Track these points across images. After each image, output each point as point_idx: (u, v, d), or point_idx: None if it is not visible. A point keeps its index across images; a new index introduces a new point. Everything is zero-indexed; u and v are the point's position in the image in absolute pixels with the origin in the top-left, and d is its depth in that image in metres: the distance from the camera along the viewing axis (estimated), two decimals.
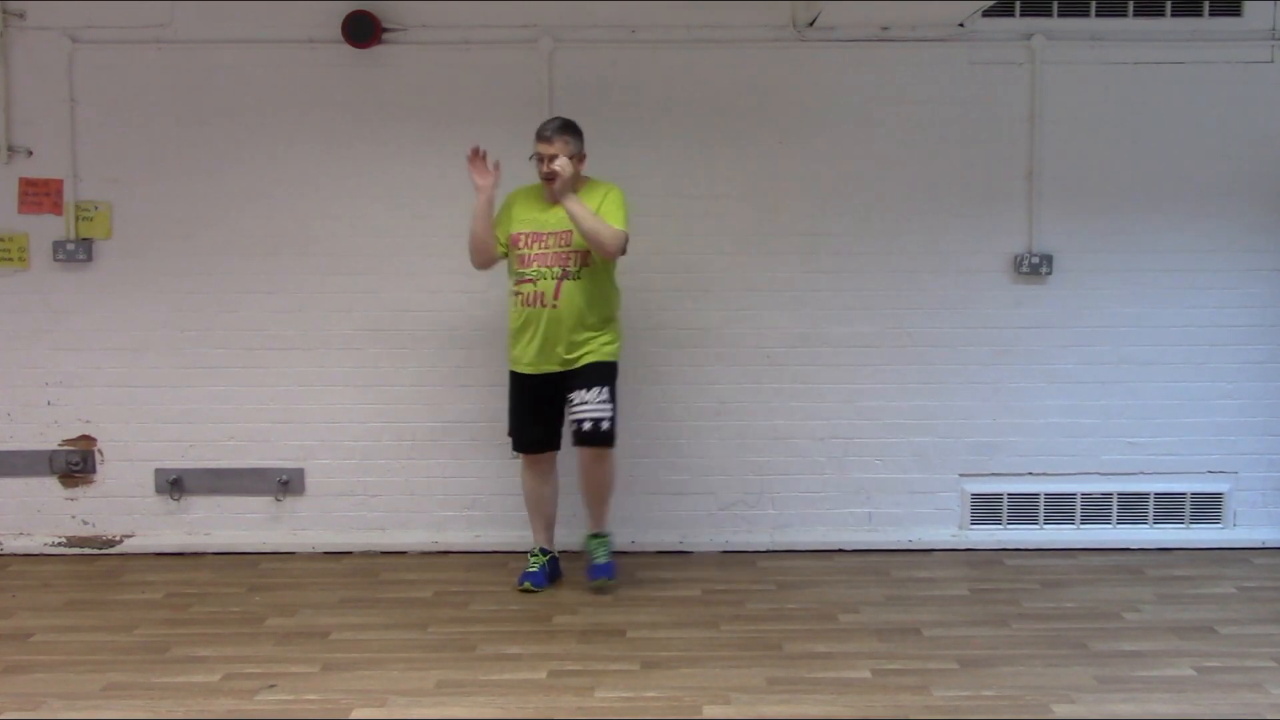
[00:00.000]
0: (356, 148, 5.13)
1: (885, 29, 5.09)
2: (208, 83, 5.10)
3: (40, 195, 5.10)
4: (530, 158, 4.49)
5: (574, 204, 4.39)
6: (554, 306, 4.43)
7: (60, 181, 5.10)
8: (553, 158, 4.41)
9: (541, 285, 4.44)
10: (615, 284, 4.61)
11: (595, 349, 4.52)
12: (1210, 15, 5.11)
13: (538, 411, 4.61)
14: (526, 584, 4.58)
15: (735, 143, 5.12)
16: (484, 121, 5.08)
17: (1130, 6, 5.11)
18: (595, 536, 4.69)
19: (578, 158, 4.48)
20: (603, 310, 4.55)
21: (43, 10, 5.04)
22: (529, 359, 4.53)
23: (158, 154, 5.11)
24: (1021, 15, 5.10)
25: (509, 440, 4.77)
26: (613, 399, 4.53)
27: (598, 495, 4.65)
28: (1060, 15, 5.11)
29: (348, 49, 5.05)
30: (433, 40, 5.09)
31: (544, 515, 4.74)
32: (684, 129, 5.10)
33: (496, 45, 5.09)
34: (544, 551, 4.71)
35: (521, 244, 4.49)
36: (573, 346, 4.48)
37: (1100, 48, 5.12)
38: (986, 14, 5.01)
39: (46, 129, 5.08)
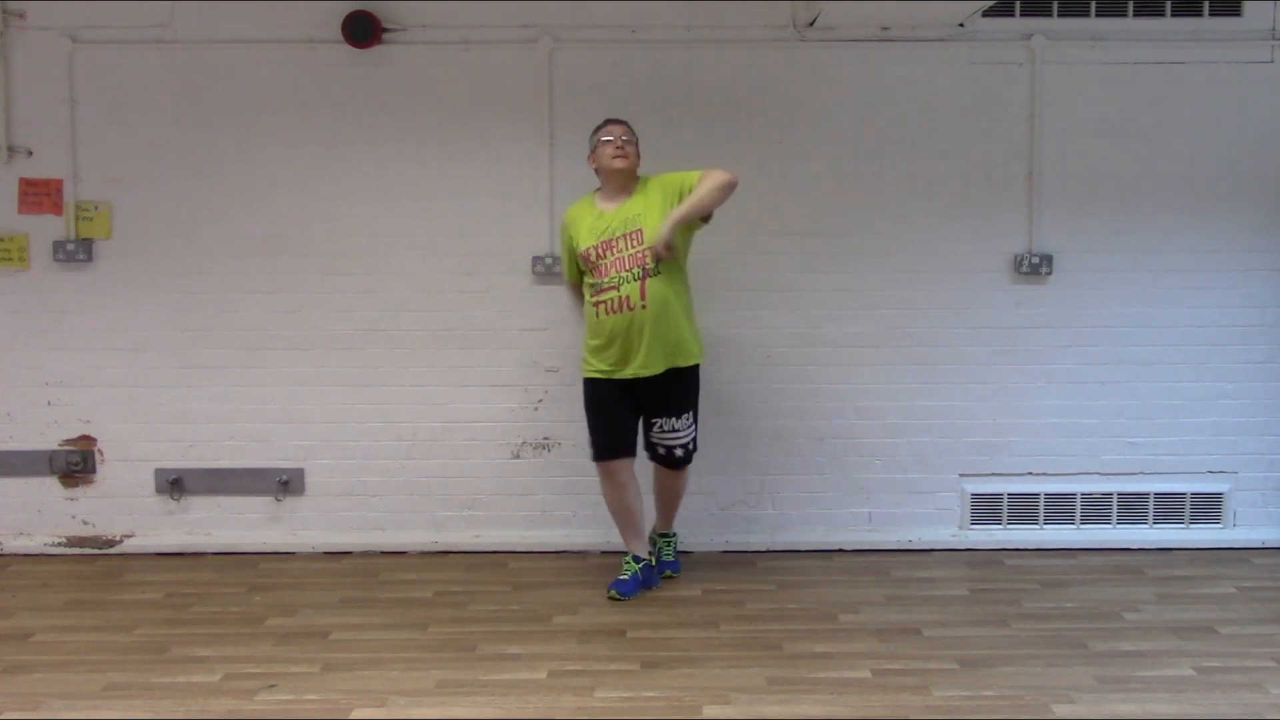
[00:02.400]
0: (356, 148, 5.13)
1: (885, 29, 5.09)
2: (208, 83, 5.10)
3: (40, 195, 5.11)
4: (594, 148, 4.51)
5: (676, 218, 4.30)
6: (643, 308, 4.34)
7: (60, 181, 5.10)
8: (624, 134, 4.46)
9: (625, 290, 4.35)
10: (687, 272, 4.56)
11: (686, 348, 4.46)
12: (1210, 15, 5.11)
13: (621, 412, 4.52)
14: (613, 592, 4.50)
15: (735, 143, 5.12)
16: (484, 121, 5.09)
17: (1130, 6, 5.12)
18: (665, 536, 4.85)
19: (637, 151, 4.56)
20: (687, 303, 4.51)
21: (43, 10, 5.04)
22: (631, 366, 4.41)
23: (158, 154, 5.12)
24: (1021, 15, 5.10)
25: (588, 450, 4.68)
26: (696, 417, 4.61)
27: (672, 502, 4.78)
28: (1060, 15, 5.11)
29: (348, 49, 5.05)
30: (433, 40, 5.09)
31: (634, 523, 4.63)
32: (684, 129, 5.10)
33: (496, 45, 5.09)
34: (638, 559, 4.61)
35: (593, 257, 4.42)
36: (667, 344, 4.40)
37: (1100, 48, 5.12)
38: (986, 14, 5.02)
39: (46, 129, 5.09)
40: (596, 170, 4.57)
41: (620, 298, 4.35)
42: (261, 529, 5.23)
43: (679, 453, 4.57)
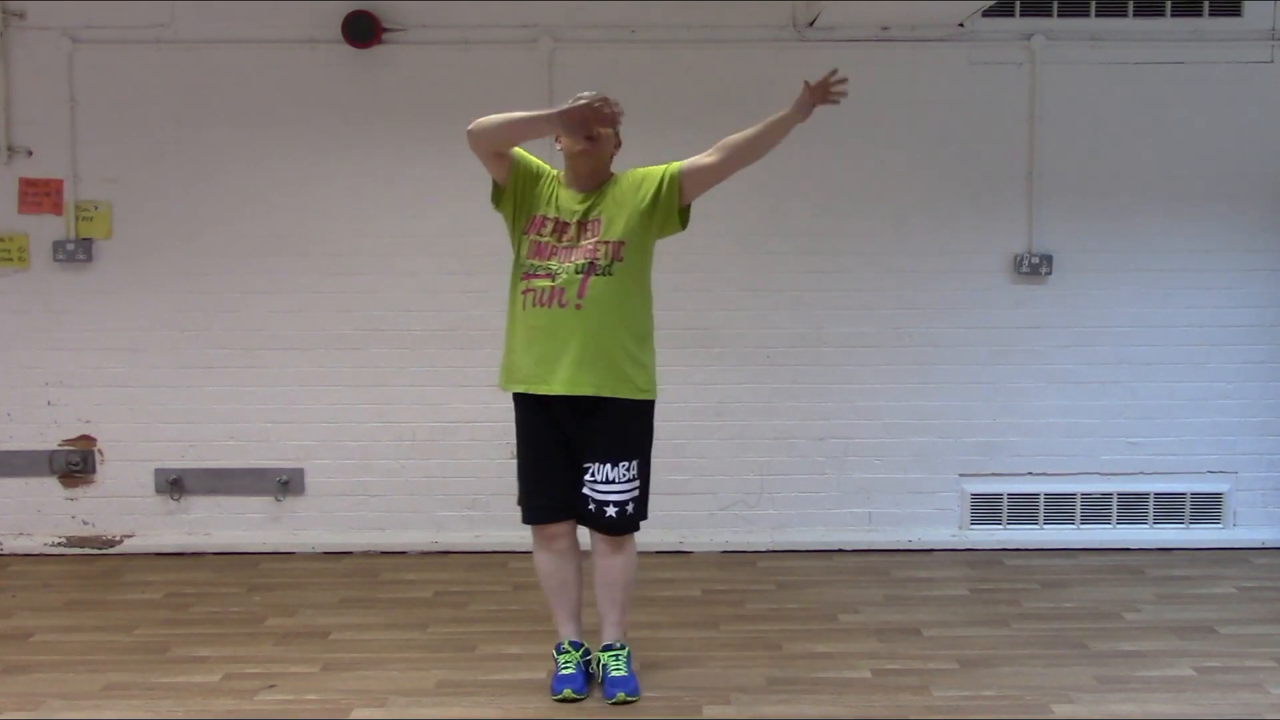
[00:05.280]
0: (356, 148, 5.13)
1: (885, 29, 5.09)
2: (208, 83, 5.10)
3: (40, 195, 5.11)
4: (560, 137, 3.59)
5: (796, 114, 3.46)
6: (577, 307, 3.45)
7: (60, 181, 5.10)
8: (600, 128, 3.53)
9: (562, 281, 3.47)
10: (650, 291, 3.64)
11: (628, 374, 3.52)
12: (1210, 15, 5.12)
13: (556, 457, 3.58)
14: (566, 691, 3.54)
15: None
16: None
17: (1130, 6, 5.12)
18: (611, 649, 3.64)
19: (615, 141, 3.66)
20: (639, 322, 3.58)
21: (43, 10, 5.04)
22: (540, 374, 3.50)
23: (158, 154, 5.12)
24: (1021, 15, 5.10)
25: (518, 509, 3.72)
26: (644, 471, 3.60)
27: (616, 592, 3.63)
28: (1060, 15, 5.11)
29: (348, 49, 5.05)
30: (433, 40, 5.09)
31: (570, 601, 3.69)
32: (684, 129, 5.07)
33: (496, 45, 5.10)
34: (575, 645, 3.68)
35: (545, 230, 3.55)
36: (601, 361, 3.48)
37: (1100, 48, 5.12)
38: (986, 14, 5.02)
39: (46, 129, 5.09)
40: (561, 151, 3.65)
41: (553, 289, 3.48)
42: (261, 529, 5.22)
43: (610, 511, 3.51)
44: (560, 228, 3.56)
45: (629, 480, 3.55)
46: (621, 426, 3.55)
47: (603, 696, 3.55)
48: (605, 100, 3.44)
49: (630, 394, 3.53)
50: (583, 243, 3.53)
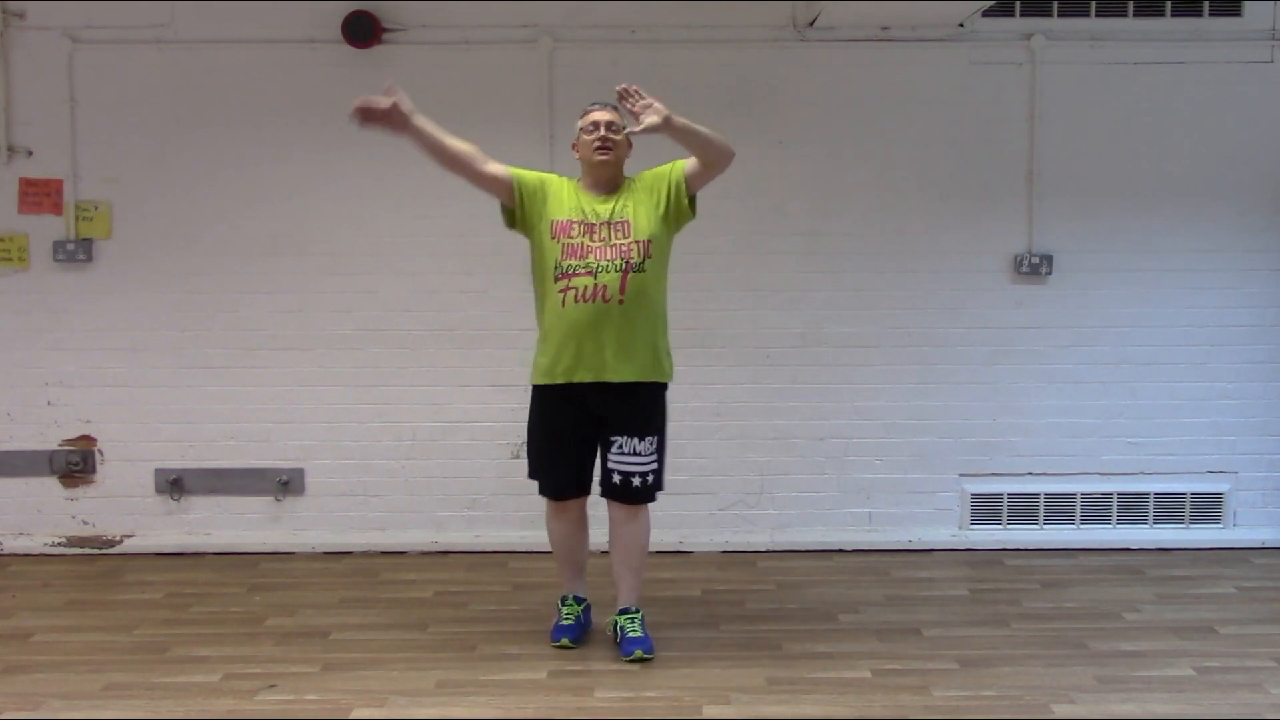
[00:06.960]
0: (356, 148, 5.11)
1: (885, 29, 5.09)
2: (208, 83, 5.10)
3: (40, 195, 5.11)
4: (578, 135, 3.97)
5: (677, 120, 3.80)
6: (620, 302, 3.77)
7: (60, 181, 5.10)
8: (610, 125, 3.91)
9: (604, 279, 3.77)
10: (667, 280, 4.01)
11: (658, 362, 3.92)
12: (1210, 15, 5.12)
13: (575, 440, 3.95)
14: (564, 640, 3.96)
15: (735, 142, 5.04)
16: (484, 121, 5.07)
17: (1130, 6, 5.12)
18: (627, 613, 4.00)
19: (627, 144, 3.98)
20: (663, 312, 3.97)
21: (43, 10, 5.04)
22: (582, 364, 3.82)
23: (158, 154, 5.12)
24: (1021, 15, 5.10)
25: (534, 483, 4.08)
26: (662, 446, 3.99)
27: (633, 558, 4.00)
28: (1060, 15, 5.12)
29: (348, 49, 5.05)
30: (433, 40, 5.09)
31: (577, 561, 4.13)
32: None
33: (496, 45, 5.10)
34: (578, 600, 4.10)
35: (575, 232, 3.84)
36: (639, 351, 3.85)
37: (1100, 48, 5.12)
38: (986, 14, 5.02)
39: (46, 129, 5.09)
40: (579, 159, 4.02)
41: (595, 286, 3.78)
42: (261, 529, 5.22)
43: (636, 482, 3.89)
44: (588, 228, 3.86)
45: (652, 454, 3.94)
46: (648, 406, 3.95)
47: (621, 655, 3.88)
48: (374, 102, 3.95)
49: (659, 377, 3.95)
50: (615, 241, 3.85)
